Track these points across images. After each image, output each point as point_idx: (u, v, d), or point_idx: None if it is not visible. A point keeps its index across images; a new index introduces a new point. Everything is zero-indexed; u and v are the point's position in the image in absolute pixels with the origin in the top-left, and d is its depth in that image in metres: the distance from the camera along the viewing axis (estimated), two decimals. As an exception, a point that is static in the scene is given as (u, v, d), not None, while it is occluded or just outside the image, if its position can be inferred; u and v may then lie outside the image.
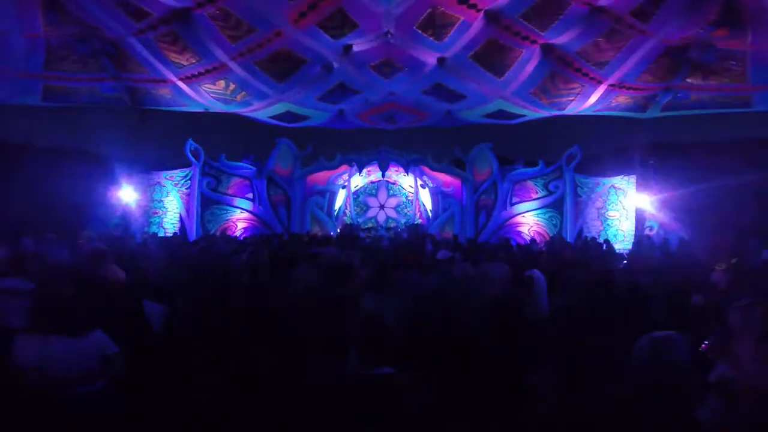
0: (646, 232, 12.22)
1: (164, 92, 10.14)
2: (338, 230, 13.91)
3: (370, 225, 15.10)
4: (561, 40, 9.15)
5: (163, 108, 11.05)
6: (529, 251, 8.90)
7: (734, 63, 8.52)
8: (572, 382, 2.36)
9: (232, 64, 9.40)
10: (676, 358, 1.93)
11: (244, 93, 10.70)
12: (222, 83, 10.17)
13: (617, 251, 10.17)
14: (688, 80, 9.25)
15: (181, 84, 9.82)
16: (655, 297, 3.96)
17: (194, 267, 5.18)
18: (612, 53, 9.17)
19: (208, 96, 10.56)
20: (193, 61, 9.12)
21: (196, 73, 9.50)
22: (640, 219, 12.71)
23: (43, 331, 2.59)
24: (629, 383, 1.96)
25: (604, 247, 9.95)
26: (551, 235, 13.14)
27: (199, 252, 7.06)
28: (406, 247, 8.19)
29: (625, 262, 8.05)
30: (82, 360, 2.60)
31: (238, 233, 13.36)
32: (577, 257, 7.63)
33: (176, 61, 9.10)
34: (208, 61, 9.23)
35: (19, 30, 7.63)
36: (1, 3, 7.26)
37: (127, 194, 12.65)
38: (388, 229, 14.50)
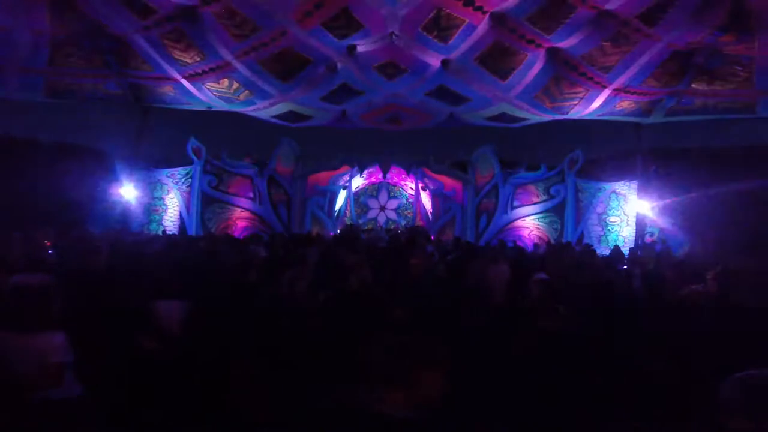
0: (647, 238, 12.19)
1: (167, 90, 10.09)
2: (338, 230, 13.86)
3: (370, 226, 15.05)
4: (567, 43, 9.12)
5: (166, 105, 10.99)
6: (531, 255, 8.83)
7: (740, 68, 8.51)
8: None
9: (237, 63, 9.36)
10: None
11: (247, 92, 10.66)
12: (225, 81, 10.12)
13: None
14: (693, 85, 9.22)
15: (184, 82, 9.77)
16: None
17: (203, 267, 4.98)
18: (618, 57, 9.15)
19: (211, 94, 10.51)
20: (198, 59, 9.08)
21: (200, 71, 9.46)
22: (640, 225, 12.68)
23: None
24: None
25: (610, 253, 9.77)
26: (551, 239, 13.10)
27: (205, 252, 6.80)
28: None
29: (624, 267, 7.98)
30: (26, 361, 2.46)
31: (238, 232, 13.31)
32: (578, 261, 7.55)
33: (180, 58, 9.06)
34: (213, 60, 9.19)
35: (24, 26, 7.59)
36: None
37: (127, 191, 12.60)
38: (387, 230, 14.44)
